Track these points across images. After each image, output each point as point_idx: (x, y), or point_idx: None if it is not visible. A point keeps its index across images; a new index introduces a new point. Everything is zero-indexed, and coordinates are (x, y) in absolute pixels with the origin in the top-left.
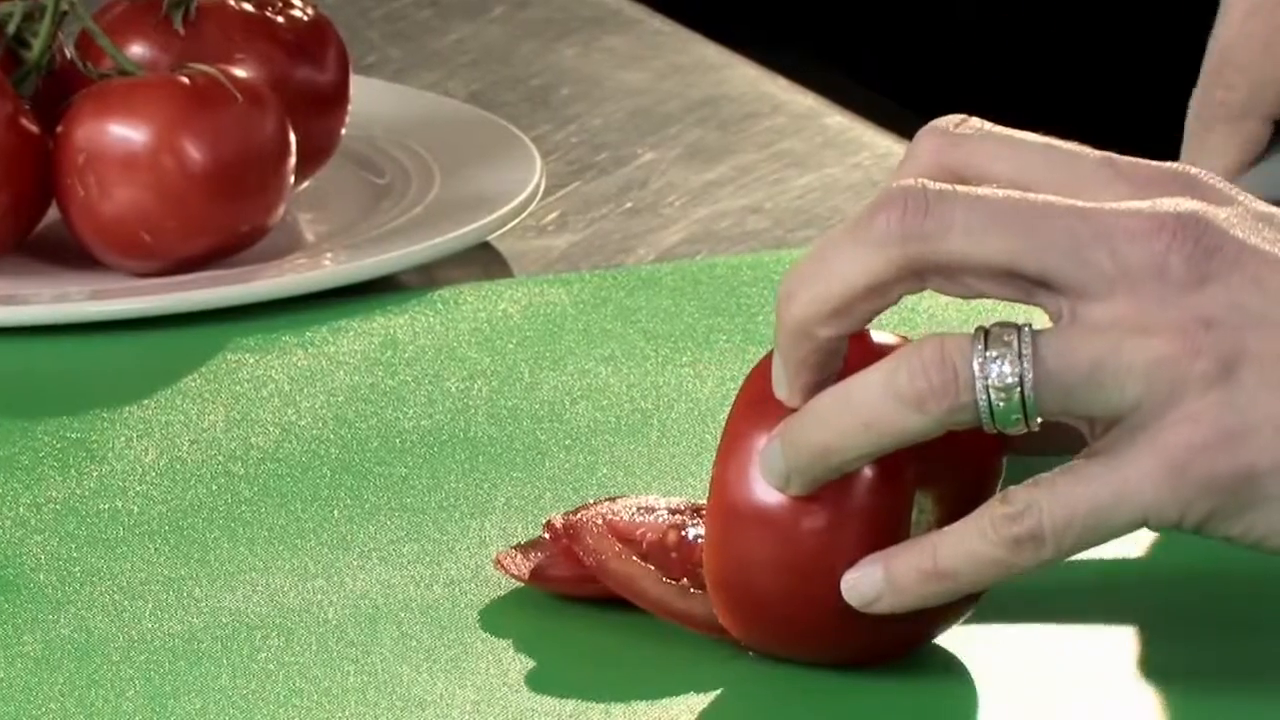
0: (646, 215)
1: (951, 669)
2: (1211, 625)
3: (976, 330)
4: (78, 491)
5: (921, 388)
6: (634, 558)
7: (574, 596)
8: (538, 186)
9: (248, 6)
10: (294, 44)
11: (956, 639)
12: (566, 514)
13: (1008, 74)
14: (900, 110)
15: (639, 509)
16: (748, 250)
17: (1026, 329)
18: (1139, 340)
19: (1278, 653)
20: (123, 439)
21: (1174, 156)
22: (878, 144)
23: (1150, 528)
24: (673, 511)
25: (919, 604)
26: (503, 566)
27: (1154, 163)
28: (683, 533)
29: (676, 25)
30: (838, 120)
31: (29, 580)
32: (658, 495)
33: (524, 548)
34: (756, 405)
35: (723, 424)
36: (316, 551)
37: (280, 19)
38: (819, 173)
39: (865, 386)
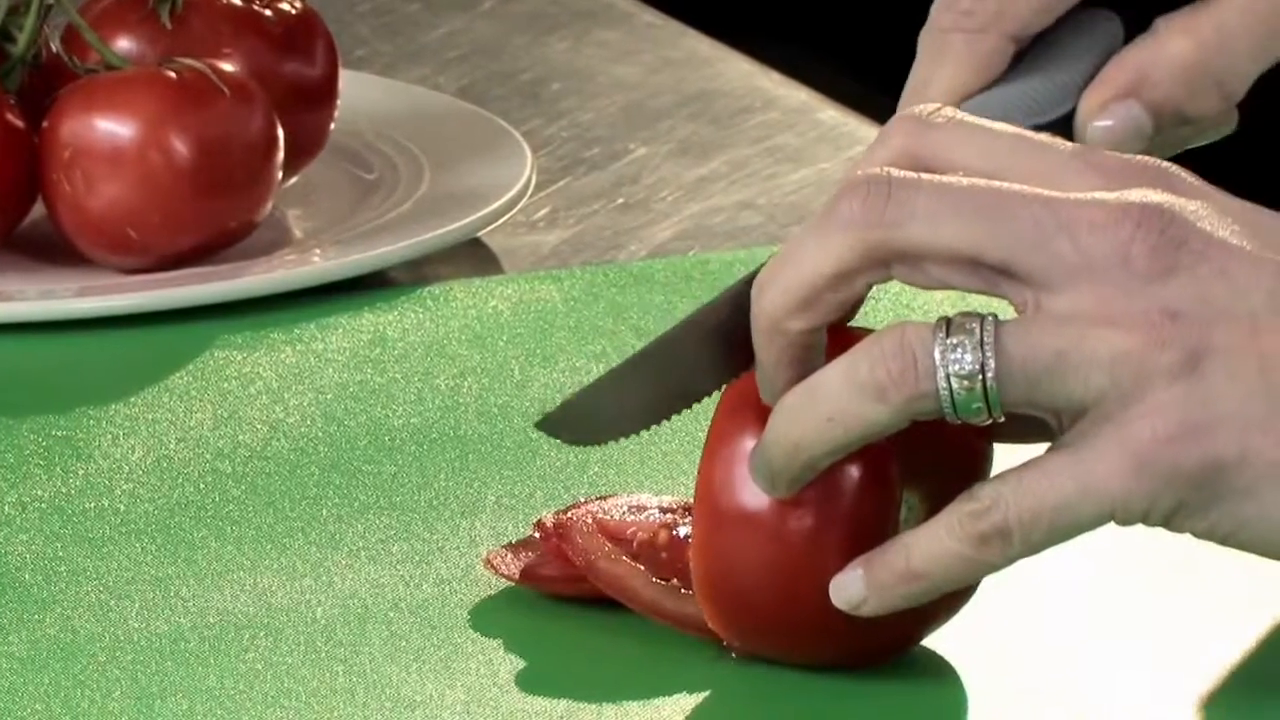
0: (638, 211)
1: (940, 670)
2: (1205, 623)
3: (939, 319)
4: (63, 490)
5: (881, 377)
6: (624, 557)
7: (565, 596)
8: (528, 182)
9: (235, 0)
10: (282, 38)
11: (945, 640)
12: (557, 513)
13: None
14: (894, 105)
15: (630, 508)
16: (741, 246)
17: (990, 318)
18: (1103, 331)
19: (1273, 650)
20: (109, 437)
21: None
22: (871, 138)
23: (1118, 522)
24: (664, 510)
25: (902, 604)
26: (492, 566)
27: (1126, 155)
28: (674, 532)
29: (668, 19)
30: (831, 115)
31: (14, 579)
32: (649, 494)
33: (514, 547)
34: (740, 406)
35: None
36: (305, 550)
37: (268, 13)
38: (813, 168)
39: (828, 379)
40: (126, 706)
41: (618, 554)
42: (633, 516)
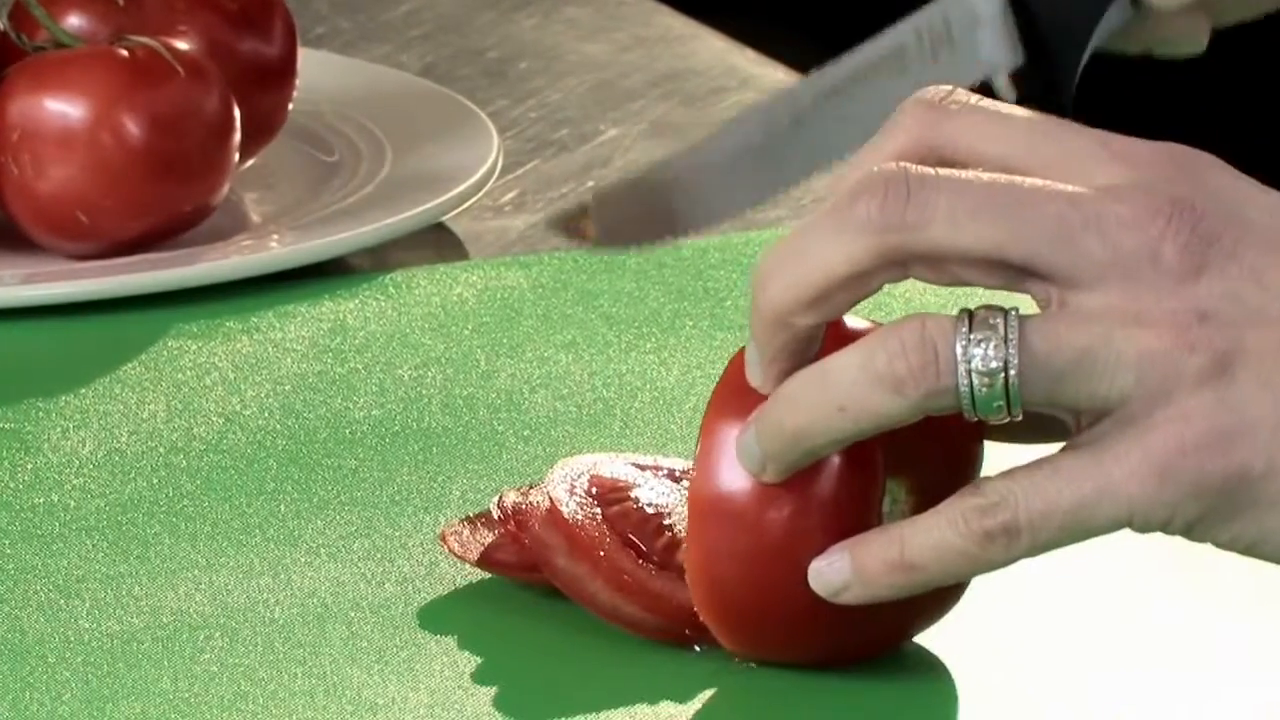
0: None
1: (932, 669)
2: (1202, 621)
3: (961, 312)
4: (11, 485)
5: (900, 369)
6: (582, 557)
7: (527, 583)
8: (494, 164)
9: None
10: (238, 15)
11: (937, 637)
12: (520, 488)
13: None
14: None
15: (634, 464)
16: (715, 232)
17: (1014, 313)
18: (1130, 331)
19: (1265, 652)
20: (59, 429)
21: (1166, 136)
22: None
23: (1134, 529)
24: (674, 477)
25: (887, 595)
26: (448, 544)
27: (1150, 142)
28: (666, 524)
29: None
30: None
31: None
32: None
33: (472, 522)
34: (730, 395)
35: (689, 413)
36: (262, 548)
37: None
38: None
39: (841, 368)
40: (77, 709)
41: (577, 550)
42: (634, 476)
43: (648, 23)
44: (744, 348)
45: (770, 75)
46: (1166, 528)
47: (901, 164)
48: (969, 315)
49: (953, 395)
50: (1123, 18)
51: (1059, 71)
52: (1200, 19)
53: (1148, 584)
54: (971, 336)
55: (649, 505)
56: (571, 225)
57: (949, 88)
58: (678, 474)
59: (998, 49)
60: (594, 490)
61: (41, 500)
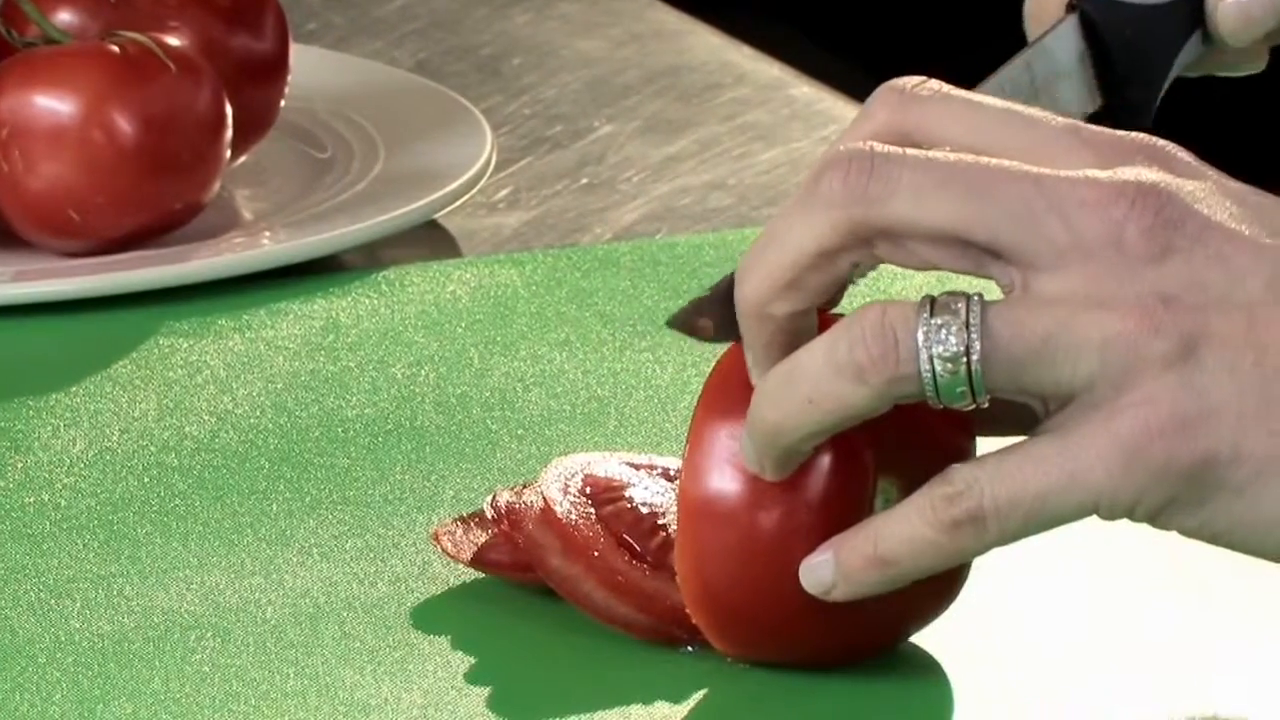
0: (603, 192)
1: (927, 669)
2: (1196, 622)
3: (923, 299)
4: (1, 484)
5: (860, 358)
6: (576, 557)
7: (520, 583)
8: (488, 161)
9: None
10: (230, 11)
11: (932, 638)
12: (514, 488)
13: (985, 42)
14: (871, 80)
15: (628, 464)
16: (710, 229)
17: (976, 298)
18: (1093, 315)
19: (1259, 654)
20: (49, 428)
21: (1155, 133)
22: (847, 116)
23: (1102, 516)
24: (668, 476)
25: (869, 591)
26: (441, 543)
27: (1121, 132)
28: (668, 532)
29: None
30: (805, 91)
31: None
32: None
33: (465, 521)
34: (719, 394)
35: (684, 412)
36: (254, 547)
37: None
38: (785, 147)
39: (808, 359)
40: (68, 710)
41: (571, 551)
42: (628, 476)
43: (642, 18)
44: (732, 345)
45: (765, 71)
46: (1133, 514)
47: (868, 142)
48: (931, 301)
49: (915, 382)
50: (1195, 53)
51: (1133, 112)
52: (1262, 43)
53: (1143, 586)
54: (933, 322)
55: (643, 505)
56: (689, 322)
57: (921, 77)
58: (672, 473)
59: (1077, 97)
60: (588, 490)
61: (32, 499)
